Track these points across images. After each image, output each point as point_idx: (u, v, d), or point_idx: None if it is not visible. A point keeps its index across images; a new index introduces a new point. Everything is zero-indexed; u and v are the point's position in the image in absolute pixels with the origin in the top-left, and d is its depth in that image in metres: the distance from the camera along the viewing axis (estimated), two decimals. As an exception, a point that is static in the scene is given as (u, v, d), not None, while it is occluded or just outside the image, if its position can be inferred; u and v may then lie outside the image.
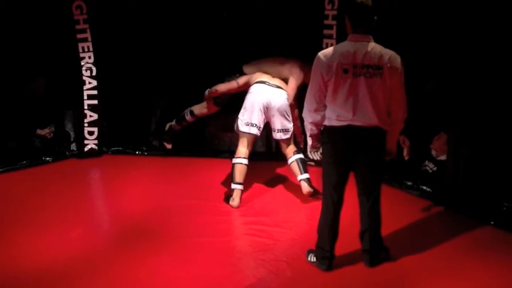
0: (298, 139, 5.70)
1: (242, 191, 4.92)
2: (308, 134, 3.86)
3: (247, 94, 5.13)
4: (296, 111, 5.27)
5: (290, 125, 5.10)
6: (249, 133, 5.02)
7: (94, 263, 3.87)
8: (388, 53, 3.55)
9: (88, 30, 5.97)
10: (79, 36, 5.98)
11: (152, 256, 3.96)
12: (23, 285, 3.62)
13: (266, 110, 5.03)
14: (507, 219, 4.48)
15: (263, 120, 5.05)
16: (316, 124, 3.72)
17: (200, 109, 5.81)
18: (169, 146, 6.15)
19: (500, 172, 4.61)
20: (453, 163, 4.84)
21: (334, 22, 5.51)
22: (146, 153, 6.38)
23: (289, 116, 5.10)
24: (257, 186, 5.34)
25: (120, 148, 6.42)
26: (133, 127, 6.49)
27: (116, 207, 4.92)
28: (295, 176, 5.08)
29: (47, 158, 6.03)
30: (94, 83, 6.13)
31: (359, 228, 3.84)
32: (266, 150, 6.25)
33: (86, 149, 6.23)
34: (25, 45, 6.03)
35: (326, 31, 5.56)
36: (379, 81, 3.53)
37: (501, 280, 3.71)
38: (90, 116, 6.18)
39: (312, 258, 3.87)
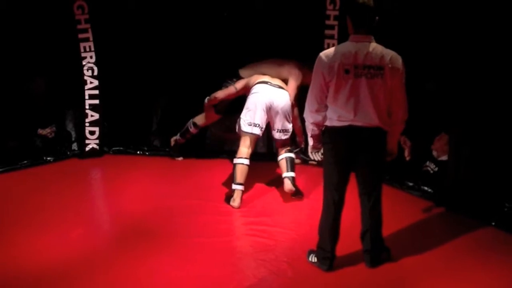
0: (299, 139, 5.71)
1: (243, 192, 4.92)
2: (309, 134, 3.85)
3: (250, 94, 5.12)
4: (296, 110, 5.28)
5: (290, 126, 5.14)
6: (251, 133, 5.02)
7: (94, 263, 3.87)
8: (389, 53, 3.55)
9: (89, 30, 5.98)
10: (80, 36, 5.98)
11: (152, 256, 3.96)
12: (23, 285, 3.62)
13: (269, 110, 5.03)
14: (508, 219, 4.47)
15: (265, 120, 5.06)
16: (317, 124, 3.72)
17: (202, 119, 5.84)
18: (179, 159, 6.15)
19: (501, 172, 4.60)
20: (454, 163, 4.83)
21: (335, 23, 5.51)
22: (147, 153, 6.38)
23: (290, 117, 5.12)
24: (258, 187, 5.33)
25: (121, 148, 6.41)
26: (134, 127, 6.49)
27: (116, 207, 4.92)
28: (281, 172, 5.12)
29: (48, 158, 6.03)
30: (96, 82, 6.13)
31: (360, 229, 3.84)
32: (267, 150, 6.25)
33: (87, 149, 6.23)
34: (26, 45, 6.03)
35: (327, 32, 5.55)
36: (380, 82, 3.53)
37: (502, 281, 3.71)
38: (92, 115, 6.18)
39: (313, 258, 3.87)
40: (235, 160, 4.99)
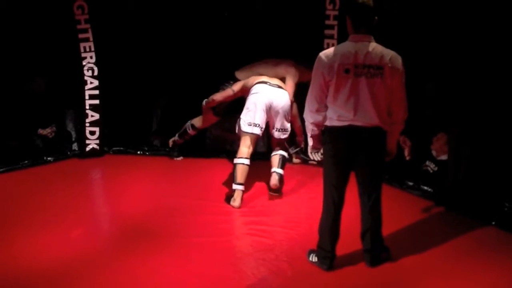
0: (299, 138, 5.71)
1: (244, 192, 4.92)
2: (309, 134, 3.85)
3: (249, 95, 5.13)
4: (295, 108, 5.29)
5: (289, 125, 5.18)
6: (251, 133, 5.03)
7: (94, 263, 3.86)
8: (389, 53, 3.55)
9: (89, 30, 5.98)
10: (80, 36, 5.98)
11: (152, 256, 3.96)
12: (23, 285, 3.62)
13: (269, 110, 5.04)
14: (508, 219, 4.47)
15: (265, 120, 5.07)
16: (317, 124, 3.72)
17: (200, 121, 5.86)
18: (179, 159, 6.15)
19: (501, 172, 4.60)
20: (454, 163, 4.84)
21: (335, 22, 5.52)
22: (147, 153, 6.39)
23: (289, 117, 5.14)
24: (258, 186, 5.34)
25: (122, 148, 6.43)
26: (134, 127, 6.50)
27: (117, 207, 4.93)
28: (270, 167, 5.14)
29: (49, 158, 6.04)
30: (96, 83, 6.13)
31: (360, 228, 3.84)
32: (267, 150, 6.25)
33: (87, 149, 6.24)
34: (26, 45, 6.04)
35: (327, 31, 5.56)
36: (380, 81, 3.53)
37: (502, 280, 3.70)
38: (92, 116, 6.19)
39: (313, 258, 3.87)
40: (236, 160, 4.99)
